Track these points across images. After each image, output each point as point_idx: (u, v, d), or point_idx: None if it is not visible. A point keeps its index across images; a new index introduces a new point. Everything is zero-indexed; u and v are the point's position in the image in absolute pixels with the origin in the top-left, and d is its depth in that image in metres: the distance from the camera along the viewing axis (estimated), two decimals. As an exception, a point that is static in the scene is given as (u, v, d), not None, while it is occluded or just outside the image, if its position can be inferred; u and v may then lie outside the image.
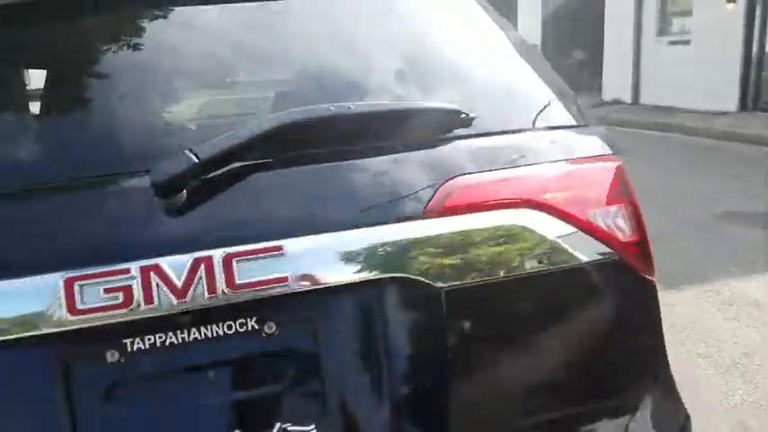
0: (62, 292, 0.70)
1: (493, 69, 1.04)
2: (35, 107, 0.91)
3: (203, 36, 0.97)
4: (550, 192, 0.88)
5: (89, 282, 0.70)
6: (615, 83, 10.02)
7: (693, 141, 6.66)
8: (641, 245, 0.93)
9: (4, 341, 0.70)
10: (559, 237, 0.86)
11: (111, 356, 0.75)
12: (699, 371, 1.97)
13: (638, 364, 0.97)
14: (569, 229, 0.87)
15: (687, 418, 1.00)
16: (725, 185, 4.43)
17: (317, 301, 0.80)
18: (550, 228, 0.86)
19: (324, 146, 0.83)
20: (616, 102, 9.84)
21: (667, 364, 1.00)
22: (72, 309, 0.70)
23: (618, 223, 0.91)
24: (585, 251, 0.87)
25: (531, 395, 0.88)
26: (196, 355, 0.76)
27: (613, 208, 0.91)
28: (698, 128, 7.07)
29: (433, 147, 0.88)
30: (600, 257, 0.88)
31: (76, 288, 0.70)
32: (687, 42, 8.59)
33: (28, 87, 0.97)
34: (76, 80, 0.93)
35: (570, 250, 0.86)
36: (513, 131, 0.94)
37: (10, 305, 0.70)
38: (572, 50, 12.41)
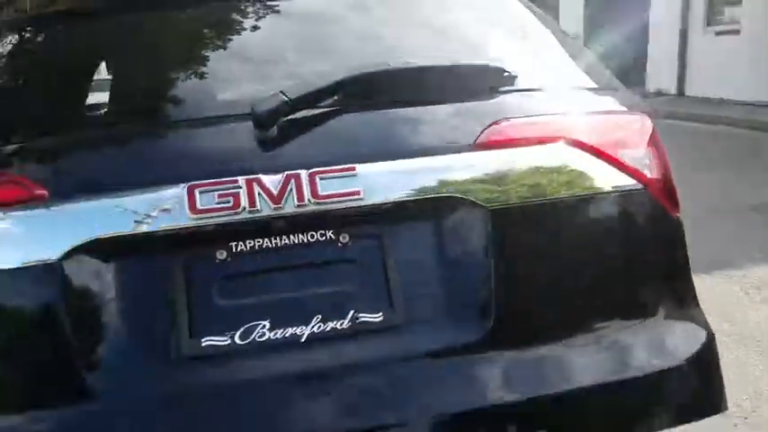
0: (186, 197, 0.90)
1: (538, 48, 1.28)
2: (171, 67, 1.19)
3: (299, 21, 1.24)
4: (584, 133, 1.05)
5: (206, 188, 0.90)
6: (660, 74, 9.77)
7: (740, 133, 6.60)
8: (666, 184, 1.10)
9: (141, 236, 0.91)
10: (591, 169, 1.04)
11: (220, 255, 0.95)
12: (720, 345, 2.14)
13: (664, 281, 1.12)
14: (601, 163, 1.05)
15: (711, 336, 1.12)
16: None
17: (382, 216, 0.99)
18: (583, 162, 1.04)
19: (394, 95, 1.05)
20: (660, 93, 9.60)
21: (692, 288, 1.14)
22: (193, 208, 0.90)
23: (644, 163, 1.07)
24: (614, 182, 1.04)
25: (566, 298, 1.05)
26: (286, 257, 0.97)
27: (641, 151, 1.08)
28: (744, 119, 6.97)
29: (484, 97, 1.08)
30: (627, 188, 1.05)
31: (197, 193, 0.90)
32: (736, 32, 8.39)
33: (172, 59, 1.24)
34: (208, 54, 1.20)
35: (601, 180, 1.04)
36: (552, 89, 1.15)
37: (149, 207, 0.90)
38: (615, 41, 12.10)
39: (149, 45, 1.23)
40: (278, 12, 1.25)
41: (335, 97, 1.01)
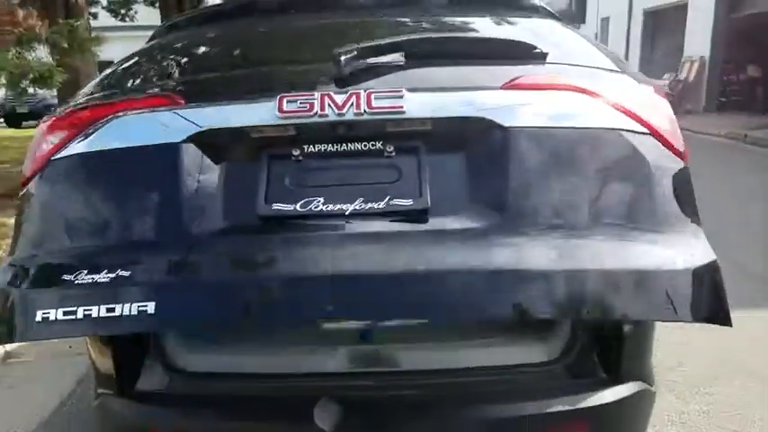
0: (276, 103, 1.32)
1: (569, 46, 1.73)
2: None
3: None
4: (599, 88, 1.36)
5: (291, 98, 1.32)
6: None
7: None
8: (670, 133, 1.37)
9: (242, 129, 1.35)
10: (601, 111, 1.34)
11: (294, 152, 1.34)
12: None
13: (670, 208, 1.30)
14: (612, 110, 1.34)
15: (717, 267, 1.25)
16: None
17: (420, 130, 1.32)
18: (595, 105, 1.34)
19: (437, 53, 1.48)
20: None
21: (698, 221, 1.32)
22: (280, 110, 1.32)
23: (650, 116, 1.36)
24: (621, 123, 1.33)
25: (569, 202, 1.27)
26: (343, 157, 1.34)
27: (649, 109, 1.37)
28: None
29: (515, 62, 1.44)
30: (632, 130, 1.33)
31: (284, 100, 1.32)
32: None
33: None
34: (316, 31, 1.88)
35: (612, 119, 1.33)
36: (575, 66, 1.51)
37: (250, 110, 1.36)
38: (745, 67, 13.27)
39: (278, 27, 1.92)
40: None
41: (394, 53, 1.44)
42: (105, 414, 1.68)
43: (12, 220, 5.48)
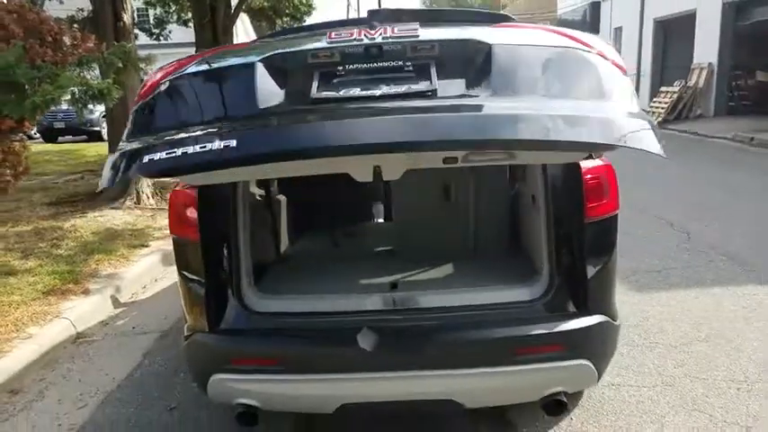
0: (327, 35, 1.97)
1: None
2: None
3: None
4: (560, 33, 2.08)
5: (337, 31, 2.01)
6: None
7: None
8: (610, 54, 2.01)
9: (300, 52, 2.05)
10: (560, 40, 2.04)
11: (338, 69, 1.88)
12: None
13: (611, 86, 1.90)
14: (569, 40, 2.01)
15: (646, 119, 1.83)
16: None
17: (430, 50, 1.89)
18: (554, 36, 2.08)
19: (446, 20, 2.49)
20: None
21: (633, 97, 1.93)
22: (329, 38, 1.95)
23: (593, 43, 2.04)
24: (573, 44, 2.00)
25: (538, 85, 1.89)
26: (375, 71, 1.87)
27: (593, 41, 2.05)
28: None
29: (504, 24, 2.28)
30: (583, 49, 1.99)
31: (332, 33, 1.98)
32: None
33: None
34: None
35: (569, 43, 1.98)
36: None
37: (308, 43, 2.11)
38: (753, 72, 13.65)
39: None
40: None
41: (416, 18, 2.13)
42: (197, 348, 2.19)
43: (64, 224, 6.08)
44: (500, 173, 2.95)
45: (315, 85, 1.82)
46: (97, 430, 2.88)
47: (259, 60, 1.89)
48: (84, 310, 4.21)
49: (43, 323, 3.92)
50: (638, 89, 19.94)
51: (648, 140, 1.66)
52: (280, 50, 1.97)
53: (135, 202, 7.06)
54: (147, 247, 5.60)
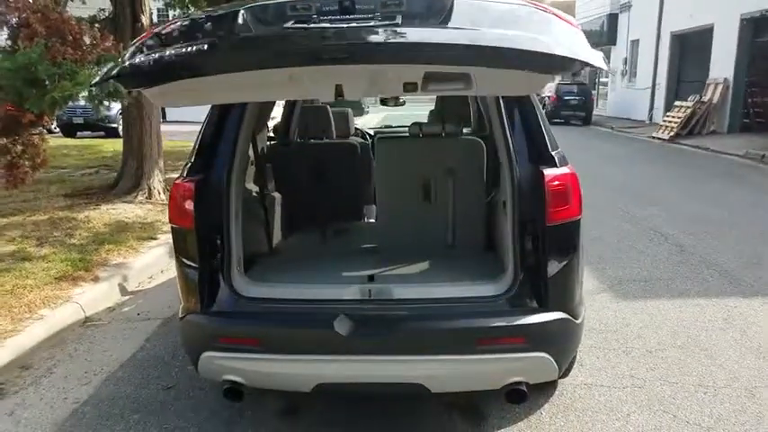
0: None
1: None
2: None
3: None
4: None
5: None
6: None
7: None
8: (561, 16, 2.00)
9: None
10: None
11: (313, 17, 1.80)
12: None
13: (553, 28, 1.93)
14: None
15: (579, 32, 1.99)
16: None
17: (398, 5, 1.83)
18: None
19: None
20: None
21: (580, 39, 1.93)
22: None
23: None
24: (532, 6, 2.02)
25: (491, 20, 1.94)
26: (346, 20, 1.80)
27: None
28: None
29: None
30: (538, 11, 2.01)
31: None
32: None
33: None
34: None
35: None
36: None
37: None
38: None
39: None
40: None
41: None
42: (190, 327, 2.41)
43: (78, 215, 6.36)
44: (477, 177, 3.13)
45: (289, 23, 1.82)
46: (100, 404, 3.10)
47: (242, 10, 1.90)
48: (93, 296, 4.45)
49: (54, 306, 4.16)
50: (652, 103, 19.92)
51: (596, 58, 1.80)
52: (260, 2, 1.96)
53: (146, 197, 7.33)
54: (155, 239, 5.84)
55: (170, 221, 2.58)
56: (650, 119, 19.96)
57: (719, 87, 15.83)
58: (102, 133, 16.74)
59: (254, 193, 3.21)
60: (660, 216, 6.94)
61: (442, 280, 2.54)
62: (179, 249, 2.55)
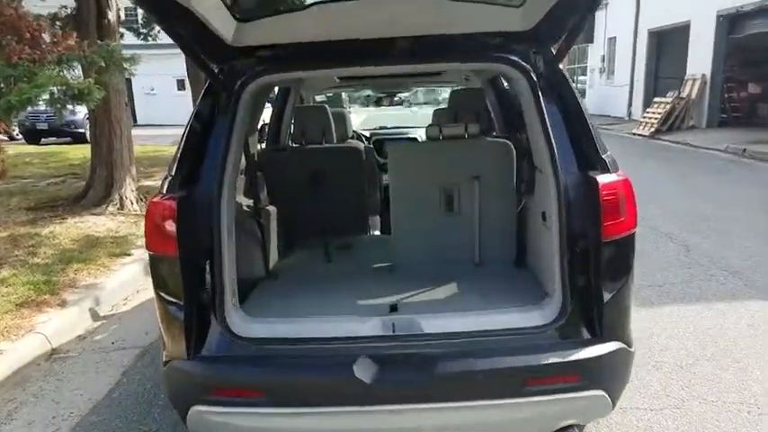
0: None
1: None
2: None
3: None
4: None
5: None
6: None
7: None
8: None
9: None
10: None
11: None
12: None
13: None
14: None
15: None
16: None
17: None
18: None
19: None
20: None
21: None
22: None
23: None
24: None
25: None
26: None
27: None
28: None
29: None
30: None
31: None
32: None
33: None
34: None
35: None
36: None
37: None
38: (745, 85, 13.79)
39: None
40: None
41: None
42: (175, 376, 1.98)
43: (42, 231, 5.83)
44: (507, 184, 2.76)
45: None
46: (68, 459, 2.65)
47: None
48: (60, 324, 3.97)
49: (15, 338, 3.68)
50: (631, 99, 19.99)
51: None
52: None
53: (118, 208, 6.81)
54: (129, 255, 5.36)
55: (147, 248, 2.14)
56: (629, 115, 20.01)
57: (697, 83, 15.88)
58: (68, 139, 16.00)
59: (246, 207, 2.79)
60: (658, 214, 6.73)
61: (477, 307, 2.17)
62: (159, 283, 2.12)
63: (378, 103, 5.60)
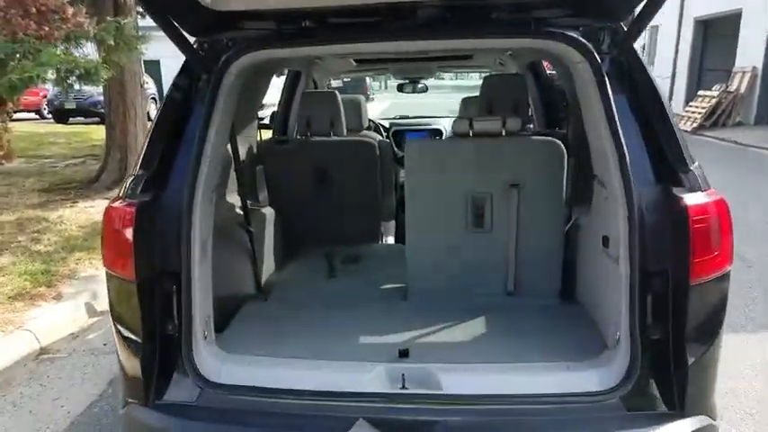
0: None
1: None
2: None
3: None
4: None
5: None
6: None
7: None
8: None
9: None
10: None
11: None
12: None
13: None
14: None
15: None
16: None
17: None
18: None
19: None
20: None
21: None
22: None
23: None
24: None
25: None
26: None
27: None
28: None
29: None
30: None
31: None
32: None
33: None
34: None
35: None
36: None
37: None
38: None
39: None
40: None
41: None
42: (131, 424, 1.62)
43: (51, 215, 5.60)
44: (554, 195, 2.25)
45: None
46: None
47: None
48: (52, 320, 3.70)
49: (3, 335, 3.41)
50: (672, 93, 19.01)
51: None
52: None
53: (132, 193, 6.57)
54: (135, 245, 5.08)
55: (104, 265, 1.78)
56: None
57: (747, 76, 14.91)
58: (96, 119, 15.94)
59: (237, 210, 2.40)
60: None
61: (512, 356, 1.73)
62: (114, 310, 1.76)
63: (400, 89, 5.03)
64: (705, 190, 1.59)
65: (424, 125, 4.82)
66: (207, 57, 1.79)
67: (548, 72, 3.68)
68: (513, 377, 1.60)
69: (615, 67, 1.67)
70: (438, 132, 4.65)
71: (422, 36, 1.74)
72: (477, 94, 3.31)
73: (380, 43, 1.78)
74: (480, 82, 3.21)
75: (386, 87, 11.12)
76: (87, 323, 3.91)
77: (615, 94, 1.63)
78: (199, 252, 1.67)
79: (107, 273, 1.75)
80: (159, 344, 1.63)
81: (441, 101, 6.25)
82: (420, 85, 4.85)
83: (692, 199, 1.53)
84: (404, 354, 1.74)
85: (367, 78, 6.73)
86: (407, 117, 5.41)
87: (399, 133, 4.61)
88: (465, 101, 3.67)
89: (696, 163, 1.66)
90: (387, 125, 4.79)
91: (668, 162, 1.60)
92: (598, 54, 1.65)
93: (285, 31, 1.75)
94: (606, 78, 1.64)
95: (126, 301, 1.68)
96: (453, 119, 5.01)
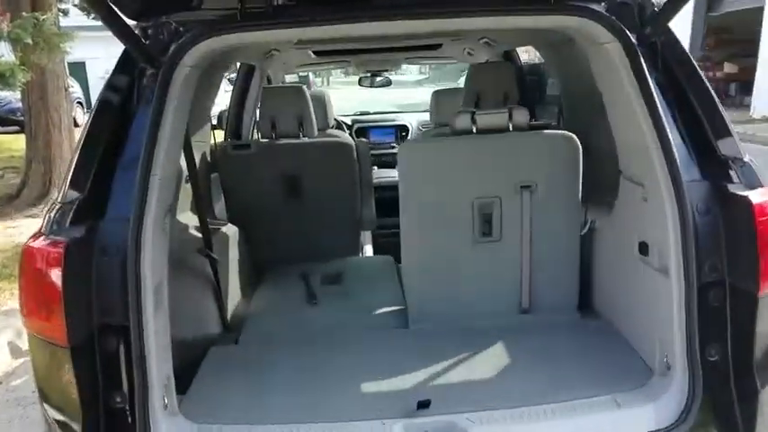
0: None
1: None
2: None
3: None
4: None
5: None
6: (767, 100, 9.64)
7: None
8: None
9: None
10: None
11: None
12: None
13: None
14: None
15: None
16: None
17: None
18: None
19: None
20: (766, 119, 9.53)
21: None
22: None
23: None
24: None
25: None
26: None
27: None
28: None
29: None
30: None
31: None
32: None
33: None
34: None
35: None
36: None
37: None
38: (721, 63, 13.14)
39: None
40: None
41: None
42: None
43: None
44: (570, 196, 1.99)
45: None
46: None
47: None
48: (-33, 365, 3.16)
49: None
50: (749, 86, 12.58)
51: None
52: None
53: (59, 209, 5.94)
54: (66, 269, 4.52)
55: (24, 325, 1.38)
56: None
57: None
58: (15, 128, 14.75)
59: (193, 232, 2.02)
60: None
61: (550, 395, 1.44)
62: (40, 385, 1.38)
63: (360, 82, 4.71)
64: (764, 185, 1.38)
65: (389, 121, 4.52)
66: (152, 45, 1.43)
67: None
68: (560, 421, 1.33)
69: (650, 49, 1.45)
70: (404, 128, 4.37)
71: (404, 14, 1.44)
72: (451, 86, 3.00)
73: (377, 23, 1.46)
74: (417, 75, 2.99)
75: (328, 84, 10.75)
76: (11, 366, 3.38)
77: (654, 80, 1.42)
78: (152, 299, 1.29)
79: (29, 334, 1.35)
80: (104, 424, 1.24)
81: (384, 96, 5.99)
82: (381, 78, 4.55)
83: (754, 195, 1.31)
84: (424, 405, 1.42)
85: (310, 74, 6.31)
86: (368, 113, 5.09)
87: (363, 130, 4.30)
88: (438, 94, 3.32)
89: (748, 156, 1.46)
90: (349, 122, 4.45)
91: (718, 156, 1.40)
92: (632, 32, 1.44)
93: (250, 10, 1.40)
94: (642, 60, 1.42)
95: (55, 372, 1.29)
96: (419, 114, 4.68)
